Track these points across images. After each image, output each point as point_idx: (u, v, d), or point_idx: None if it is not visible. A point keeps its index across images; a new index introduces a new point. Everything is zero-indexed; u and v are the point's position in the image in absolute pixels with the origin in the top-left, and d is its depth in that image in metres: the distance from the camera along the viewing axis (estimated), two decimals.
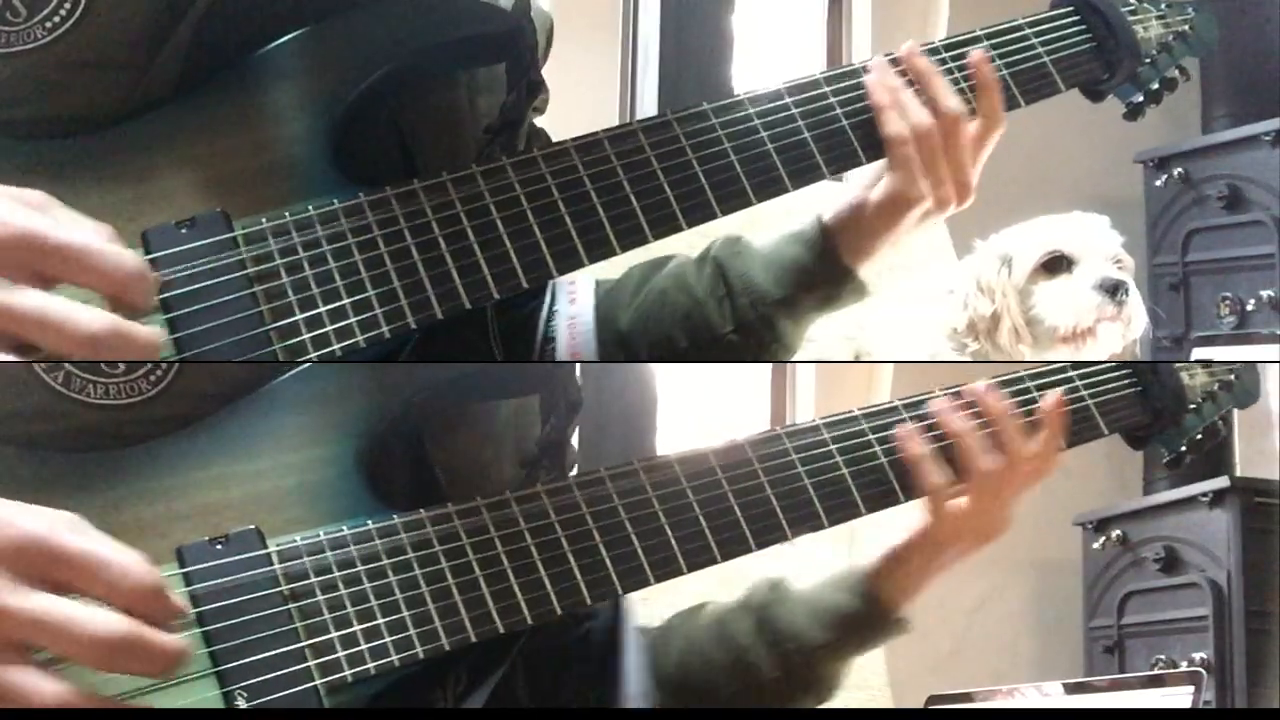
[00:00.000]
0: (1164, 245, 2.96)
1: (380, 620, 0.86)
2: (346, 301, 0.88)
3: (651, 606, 1.06)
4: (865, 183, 1.08)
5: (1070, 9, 1.16)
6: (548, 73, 1.08)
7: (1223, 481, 2.57)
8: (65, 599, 0.74)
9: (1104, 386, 1.16)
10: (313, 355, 0.86)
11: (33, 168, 0.87)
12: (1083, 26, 1.16)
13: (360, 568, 0.87)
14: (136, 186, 0.88)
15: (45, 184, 0.81)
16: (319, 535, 0.87)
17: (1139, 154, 2.98)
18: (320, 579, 0.86)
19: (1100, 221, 2.09)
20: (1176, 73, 1.22)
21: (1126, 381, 1.18)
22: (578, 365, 1.07)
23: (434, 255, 0.90)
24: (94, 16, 0.90)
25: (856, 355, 2.27)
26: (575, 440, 1.06)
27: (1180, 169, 2.91)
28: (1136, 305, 2.03)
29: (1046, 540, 2.86)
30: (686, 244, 1.05)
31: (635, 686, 0.99)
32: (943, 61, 1.09)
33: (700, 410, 2.68)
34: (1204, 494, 2.59)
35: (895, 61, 1.07)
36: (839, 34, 3.13)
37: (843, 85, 1.05)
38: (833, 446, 1.02)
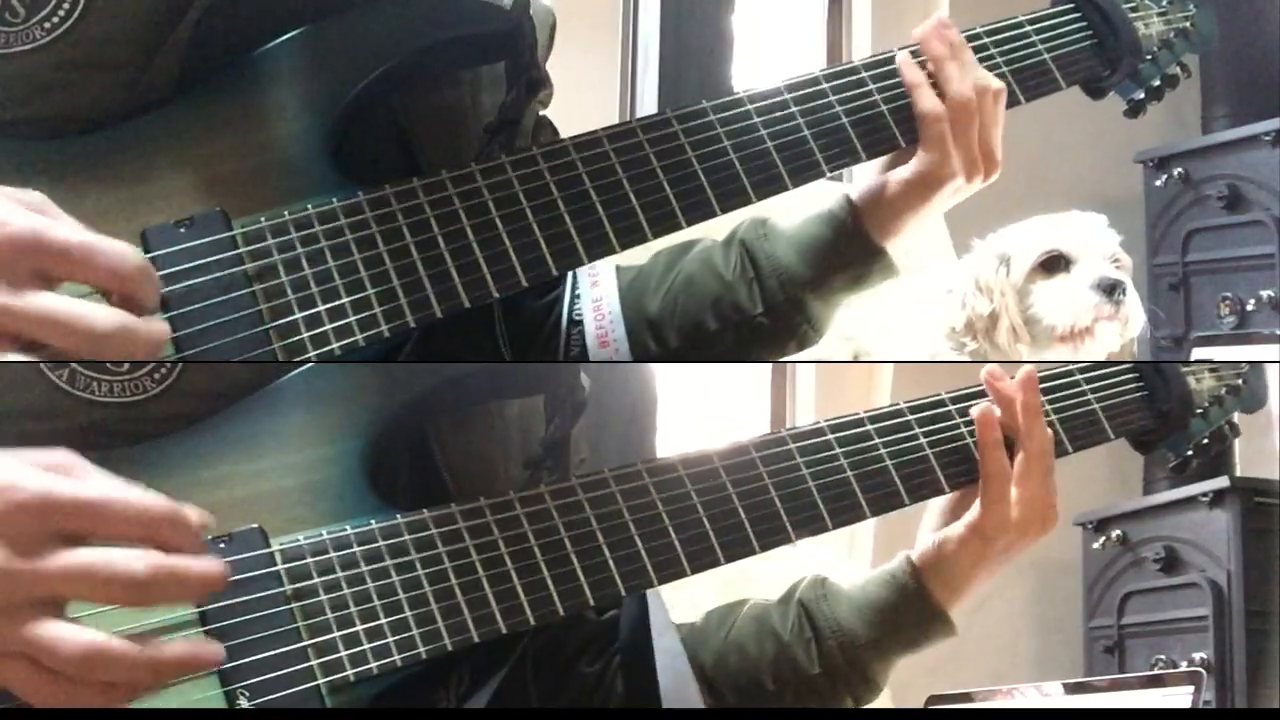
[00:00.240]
0: (1164, 245, 2.95)
1: (383, 620, 0.86)
2: (345, 301, 0.88)
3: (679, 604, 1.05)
4: (890, 160, 1.07)
5: (1071, 6, 1.16)
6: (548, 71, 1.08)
7: (1223, 481, 2.56)
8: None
9: (1110, 391, 1.16)
10: (312, 355, 0.86)
11: (32, 168, 0.87)
12: (1083, 23, 1.16)
13: (363, 567, 0.87)
14: (136, 186, 0.88)
15: (44, 184, 0.81)
16: (322, 535, 0.87)
17: (1139, 154, 2.98)
18: (323, 579, 0.86)
19: (1098, 221, 2.09)
20: (1178, 69, 1.21)
21: (1133, 386, 1.18)
22: (580, 366, 1.07)
23: (433, 254, 0.90)
24: (92, 17, 0.90)
25: (856, 355, 2.27)
26: (585, 442, 1.05)
27: (1180, 169, 2.91)
28: (1134, 304, 2.03)
29: (1046, 540, 2.84)
30: (713, 228, 1.04)
31: (671, 681, 0.97)
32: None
33: (700, 410, 2.67)
34: (1204, 494, 2.59)
35: (915, 53, 1.07)
36: (839, 34, 3.13)
37: (842, 83, 1.05)
38: (838, 449, 1.02)
